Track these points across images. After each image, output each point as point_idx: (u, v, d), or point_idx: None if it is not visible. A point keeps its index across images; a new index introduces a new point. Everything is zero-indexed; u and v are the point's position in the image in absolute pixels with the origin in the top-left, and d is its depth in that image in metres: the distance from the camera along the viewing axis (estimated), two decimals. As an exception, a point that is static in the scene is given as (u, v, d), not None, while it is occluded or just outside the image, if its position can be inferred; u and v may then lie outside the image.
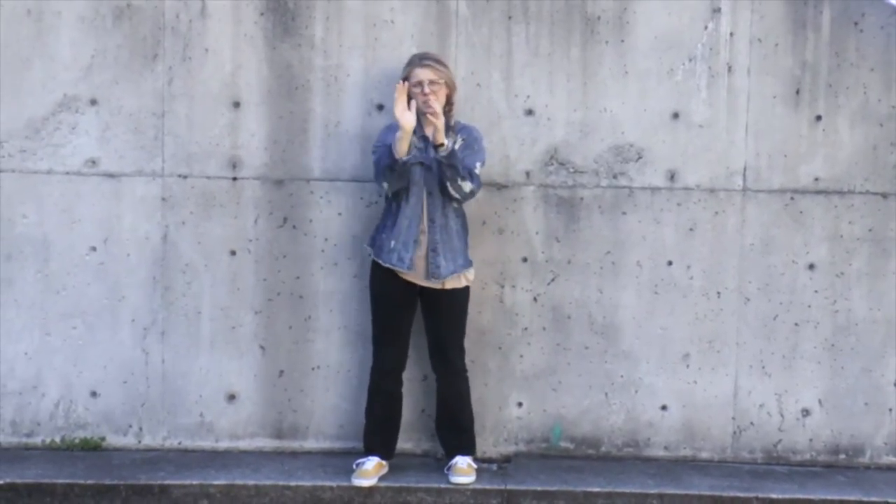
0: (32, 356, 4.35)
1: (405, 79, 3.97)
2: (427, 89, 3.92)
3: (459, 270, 4.05)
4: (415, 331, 4.15)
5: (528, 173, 4.35)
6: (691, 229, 4.37)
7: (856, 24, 4.32)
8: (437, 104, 3.92)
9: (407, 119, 3.83)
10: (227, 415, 4.40)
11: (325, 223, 4.34)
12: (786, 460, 4.42)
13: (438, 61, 4.01)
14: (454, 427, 4.15)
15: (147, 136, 4.30)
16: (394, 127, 3.96)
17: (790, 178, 4.36)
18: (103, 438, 4.38)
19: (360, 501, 4.00)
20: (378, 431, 4.12)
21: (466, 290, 4.11)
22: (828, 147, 4.35)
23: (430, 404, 4.31)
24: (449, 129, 4.01)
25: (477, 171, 4.00)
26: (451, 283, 4.04)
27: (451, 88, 4.02)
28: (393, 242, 3.99)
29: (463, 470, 4.06)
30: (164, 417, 4.39)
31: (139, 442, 4.39)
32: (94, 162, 4.31)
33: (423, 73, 3.95)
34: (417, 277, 4.01)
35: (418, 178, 3.97)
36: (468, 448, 4.16)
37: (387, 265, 4.00)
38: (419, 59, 4.00)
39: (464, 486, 4.02)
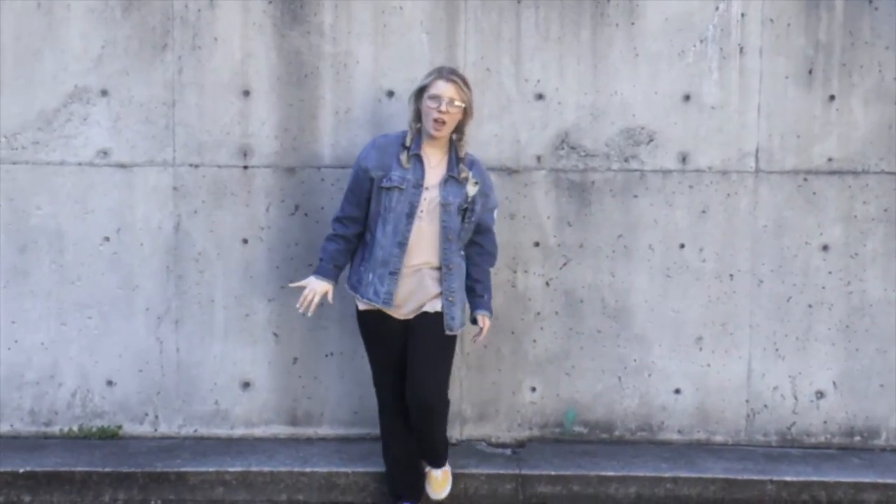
0: (49, 346, 4.39)
1: (422, 88, 3.64)
2: (444, 107, 3.57)
3: (466, 320, 3.80)
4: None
5: (539, 158, 4.33)
6: (704, 212, 4.34)
7: (870, 1, 4.27)
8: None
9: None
10: (242, 402, 4.43)
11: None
12: (800, 443, 4.42)
13: (465, 81, 3.64)
14: (424, 451, 3.88)
15: (158, 125, 4.31)
16: (378, 143, 3.72)
17: (803, 159, 4.32)
18: (120, 427, 4.42)
19: (375, 487, 4.03)
20: (402, 475, 3.87)
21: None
22: (841, 127, 4.31)
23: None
24: (459, 160, 3.69)
25: (495, 223, 3.81)
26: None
27: (468, 115, 3.66)
28: (371, 275, 3.67)
29: (438, 481, 3.93)
30: (180, 406, 4.42)
31: (155, 430, 4.43)
32: (105, 153, 4.32)
33: (446, 89, 3.58)
34: (403, 313, 3.69)
35: (395, 203, 3.62)
36: (438, 463, 3.93)
37: (364, 300, 3.70)
38: (447, 73, 3.63)
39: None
